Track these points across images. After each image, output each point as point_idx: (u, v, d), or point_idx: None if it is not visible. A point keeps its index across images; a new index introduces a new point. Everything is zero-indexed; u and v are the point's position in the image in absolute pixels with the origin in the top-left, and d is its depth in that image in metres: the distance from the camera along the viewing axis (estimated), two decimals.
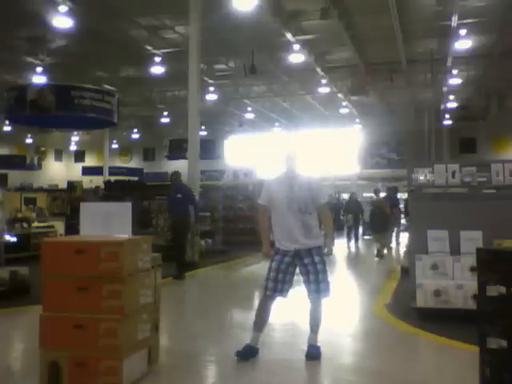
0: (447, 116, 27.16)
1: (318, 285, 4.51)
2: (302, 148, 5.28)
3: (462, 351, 4.77)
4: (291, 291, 4.66)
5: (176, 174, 10.13)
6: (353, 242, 17.11)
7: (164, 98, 25.46)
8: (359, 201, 18.94)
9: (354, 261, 14.20)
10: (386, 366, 4.56)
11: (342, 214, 19.98)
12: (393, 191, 15.26)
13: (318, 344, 4.62)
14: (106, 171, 31.67)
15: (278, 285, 4.52)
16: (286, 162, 4.67)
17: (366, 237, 20.04)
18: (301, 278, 4.63)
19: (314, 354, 4.53)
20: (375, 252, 13.35)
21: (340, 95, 23.88)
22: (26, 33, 16.18)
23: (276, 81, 22.18)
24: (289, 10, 14.47)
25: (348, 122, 29.26)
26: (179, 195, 9.70)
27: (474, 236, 6.06)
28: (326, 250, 4.76)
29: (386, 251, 13.46)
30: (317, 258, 4.54)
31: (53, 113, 12.62)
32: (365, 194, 26.70)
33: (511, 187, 6.33)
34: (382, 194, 15.67)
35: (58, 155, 39.84)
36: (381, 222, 13.46)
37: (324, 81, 21.04)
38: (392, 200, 14.41)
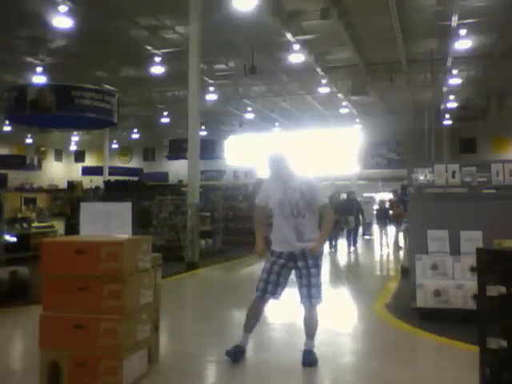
0: (447, 116, 27.17)
1: (309, 289, 4.40)
2: (292, 149, 5.19)
3: (462, 351, 4.77)
4: (291, 291, 4.66)
5: None
6: (352, 244, 16.04)
7: (164, 98, 25.46)
8: (358, 200, 18.32)
9: (354, 261, 14.18)
10: (385, 366, 4.56)
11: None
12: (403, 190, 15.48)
13: (315, 350, 4.50)
14: (105, 171, 31.69)
15: (268, 286, 4.45)
16: (273, 164, 4.55)
17: (366, 237, 20.03)
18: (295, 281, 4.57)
19: (309, 360, 4.42)
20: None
21: (340, 95, 23.88)
22: (26, 33, 16.18)
23: (276, 81, 22.18)
24: (289, 10, 14.46)
25: (348, 122, 29.28)
26: None
27: (473, 236, 6.06)
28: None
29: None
30: (311, 262, 4.44)
31: (53, 113, 12.61)
32: (365, 194, 26.74)
33: (511, 187, 6.33)
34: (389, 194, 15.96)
35: (58, 155, 39.84)
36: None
37: (324, 81, 21.04)
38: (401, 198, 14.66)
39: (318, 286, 4.45)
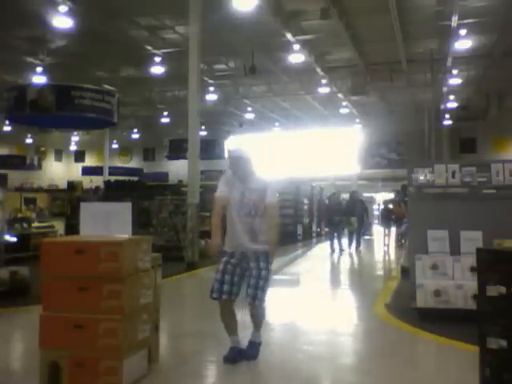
0: (447, 116, 27.15)
1: (255, 290, 4.33)
2: (256, 149, 4.99)
3: (462, 351, 4.77)
4: (290, 292, 4.65)
5: None
6: (353, 246, 15.75)
7: (164, 98, 25.46)
8: (363, 200, 17.75)
9: (354, 261, 14.17)
10: (386, 366, 4.56)
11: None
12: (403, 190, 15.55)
13: (260, 340, 4.57)
14: (105, 171, 31.67)
15: (224, 286, 4.37)
16: (234, 163, 4.47)
17: (366, 237, 20.04)
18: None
19: (253, 353, 4.49)
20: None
21: (340, 95, 23.88)
22: (26, 33, 16.17)
23: (276, 81, 22.17)
24: (289, 10, 14.46)
25: (348, 122, 29.27)
26: None
27: (473, 236, 6.07)
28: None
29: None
30: (262, 264, 4.38)
31: (53, 113, 12.60)
32: (365, 194, 26.73)
33: (511, 187, 6.33)
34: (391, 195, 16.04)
35: (58, 155, 39.83)
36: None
37: (324, 81, 21.03)
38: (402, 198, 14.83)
39: (264, 289, 4.38)
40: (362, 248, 16.02)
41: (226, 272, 4.42)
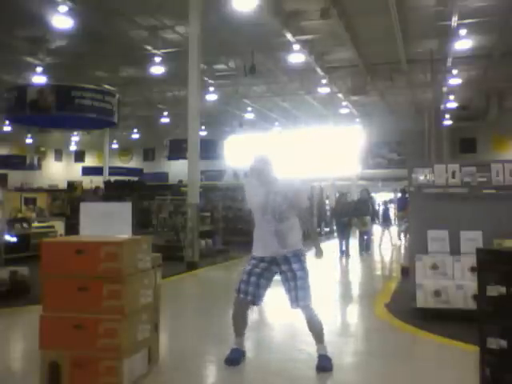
0: (447, 116, 27.15)
1: (296, 292, 4.27)
2: (276, 151, 5.02)
3: (462, 351, 4.77)
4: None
5: None
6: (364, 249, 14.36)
7: (164, 98, 25.47)
8: (373, 198, 16.27)
9: (354, 262, 14.16)
10: (386, 366, 4.56)
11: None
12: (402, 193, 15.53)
13: (328, 354, 4.35)
14: (106, 171, 31.68)
15: (249, 288, 4.32)
16: (256, 169, 4.42)
17: (365, 236, 19.99)
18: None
19: (325, 366, 4.28)
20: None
21: (340, 95, 23.89)
22: (26, 33, 16.19)
23: (276, 81, 22.17)
24: (289, 10, 14.47)
25: (348, 122, 29.27)
26: None
27: (473, 236, 6.06)
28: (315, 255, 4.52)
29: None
30: (295, 266, 4.31)
31: (53, 113, 12.61)
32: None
33: (511, 187, 6.33)
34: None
35: (58, 155, 39.84)
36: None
37: (324, 81, 21.04)
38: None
39: (305, 288, 4.31)
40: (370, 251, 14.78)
41: (252, 274, 4.36)
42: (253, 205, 4.45)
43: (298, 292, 4.28)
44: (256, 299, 4.37)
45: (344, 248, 13.75)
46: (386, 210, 18.38)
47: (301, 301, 4.29)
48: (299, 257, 4.37)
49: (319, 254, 4.56)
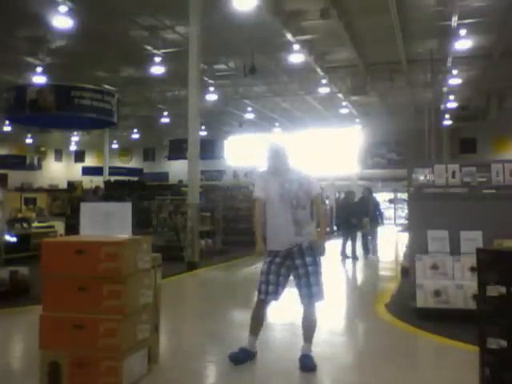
0: (447, 116, 27.15)
1: (309, 289, 4.31)
2: (291, 145, 5.05)
3: (462, 351, 4.77)
4: (290, 291, 4.65)
5: None
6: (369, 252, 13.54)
7: (164, 98, 25.45)
8: (375, 198, 14.87)
9: (354, 262, 14.16)
10: (385, 366, 4.55)
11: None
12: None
13: (312, 354, 4.40)
14: (106, 171, 31.66)
15: (269, 287, 4.35)
16: (272, 157, 4.52)
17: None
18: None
19: (307, 364, 4.32)
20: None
21: (340, 95, 23.87)
22: (26, 33, 16.18)
23: (276, 81, 22.16)
24: (289, 10, 14.46)
25: (348, 122, 29.26)
26: None
27: (473, 236, 6.07)
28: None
29: None
30: (308, 260, 4.35)
31: (53, 113, 12.62)
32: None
33: (511, 187, 6.33)
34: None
35: (58, 155, 39.83)
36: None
37: (324, 81, 21.03)
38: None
39: (319, 284, 4.38)
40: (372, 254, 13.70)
41: (270, 273, 4.39)
42: (270, 196, 4.48)
43: (313, 288, 4.33)
44: (277, 296, 4.42)
45: (347, 249, 13.07)
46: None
47: (315, 296, 4.35)
48: (313, 250, 4.40)
49: (322, 251, 4.55)
